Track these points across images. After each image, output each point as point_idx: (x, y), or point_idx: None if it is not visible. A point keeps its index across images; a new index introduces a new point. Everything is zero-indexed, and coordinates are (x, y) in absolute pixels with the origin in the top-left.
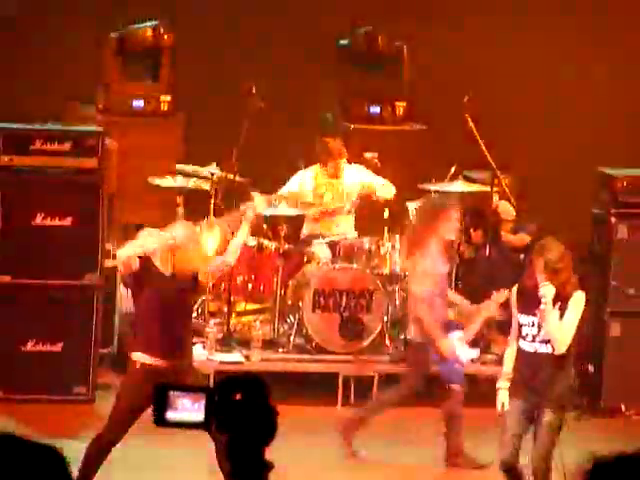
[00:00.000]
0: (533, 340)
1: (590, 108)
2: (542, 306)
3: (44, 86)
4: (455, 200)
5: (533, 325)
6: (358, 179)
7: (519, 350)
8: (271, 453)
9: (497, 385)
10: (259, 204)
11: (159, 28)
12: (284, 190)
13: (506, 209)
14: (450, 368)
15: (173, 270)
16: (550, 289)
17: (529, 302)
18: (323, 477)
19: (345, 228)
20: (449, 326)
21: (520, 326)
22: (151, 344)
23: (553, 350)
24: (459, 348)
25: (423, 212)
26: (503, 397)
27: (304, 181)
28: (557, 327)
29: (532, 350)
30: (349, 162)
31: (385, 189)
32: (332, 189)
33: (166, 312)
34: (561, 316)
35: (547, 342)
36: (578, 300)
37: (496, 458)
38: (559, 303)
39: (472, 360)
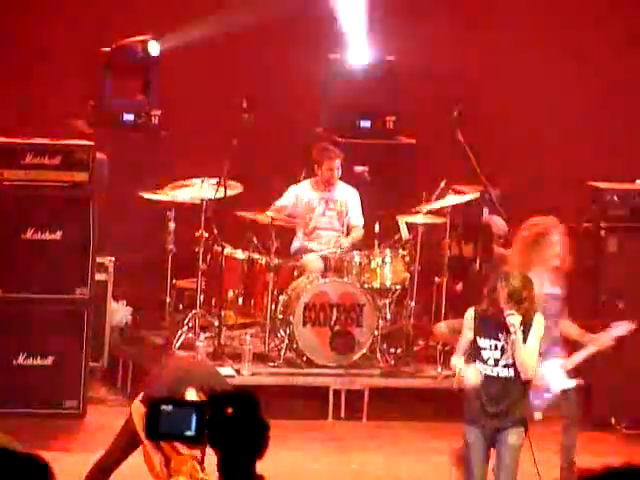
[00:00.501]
0: (495, 364)
1: (578, 122)
2: (512, 336)
3: (35, 101)
4: (554, 222)
5: (495, 349)
6: (345, 200)
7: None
8: (263, 466)
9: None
10: None
11: (149, 42)
12: (278, 204)
13: (498, 223)
14: (536, 394)
15: None
16: (517, 318)
17: (491, 326)
18: None
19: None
20: (553, 350)
21: (479, 349)
22: None
23: (516, 374)
24: (554, 376)
25: (523, 240)
26: (459, 363)
27: (298, 195)
28: (526, 353)
29: (494, 374)
30: (344, 181)
31: (358, 232)
32: (323, 204)
33: None
34: (524, 340)
35: (510, 366)
36: (539, 322)
37: None
38: (521, 327)
39: (567, 390)
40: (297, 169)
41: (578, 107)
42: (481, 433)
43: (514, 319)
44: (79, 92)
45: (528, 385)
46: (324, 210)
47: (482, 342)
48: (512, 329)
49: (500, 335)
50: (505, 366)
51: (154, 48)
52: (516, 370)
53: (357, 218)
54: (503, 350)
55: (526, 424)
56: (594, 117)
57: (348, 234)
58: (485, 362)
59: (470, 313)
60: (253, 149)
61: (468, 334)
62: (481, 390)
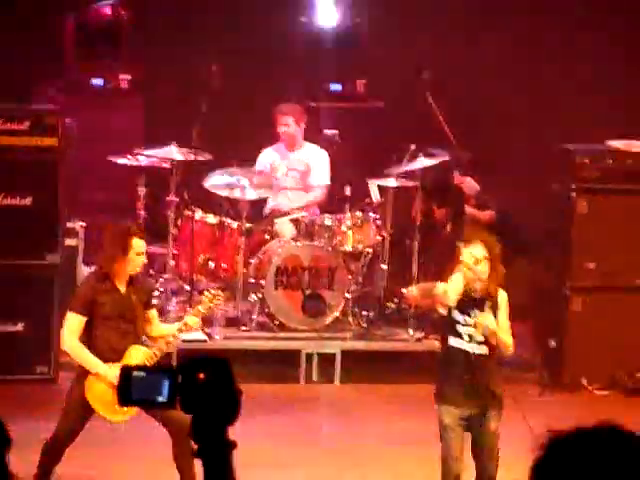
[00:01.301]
0: (470, 340)
1: (550, 85)
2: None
3: (2, 65)
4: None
5: (470, 325)
6: (307, 161)
7: (452, 349)
8: (235, 432)
9: None
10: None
11: (118, 6)
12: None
13: (470, 185)
14: None
15: None
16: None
17: (467, 300)
18: (286, 454)
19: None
20: None
21: (454, 322)
22: None
23: (490, 352)
24: None
25: None
26: None
27: (264, 158)
28: (502, 331)
29: (470, 351)
30: (312, 141)
31: (316, 192)
32: (284, 165)
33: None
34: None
35: (483, 343)
36: (505, 298)
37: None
38: (490, 301)
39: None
40: (265, 133)
41: (548, 70)
42: (459, 413)
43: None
44: (47, 57)
45: (498, 362)
46: (287, 171)
47: (457, 315)
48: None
49: (472, 310)
50: (479, 343)
51: (123, 12)
52: (489, 348)
53: (318, 178)
54: (476, 326)
55: (502, 403)
56: (567, 79)
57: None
58: (460, 337)
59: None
60: (223, 114)
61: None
62: (458, 366)
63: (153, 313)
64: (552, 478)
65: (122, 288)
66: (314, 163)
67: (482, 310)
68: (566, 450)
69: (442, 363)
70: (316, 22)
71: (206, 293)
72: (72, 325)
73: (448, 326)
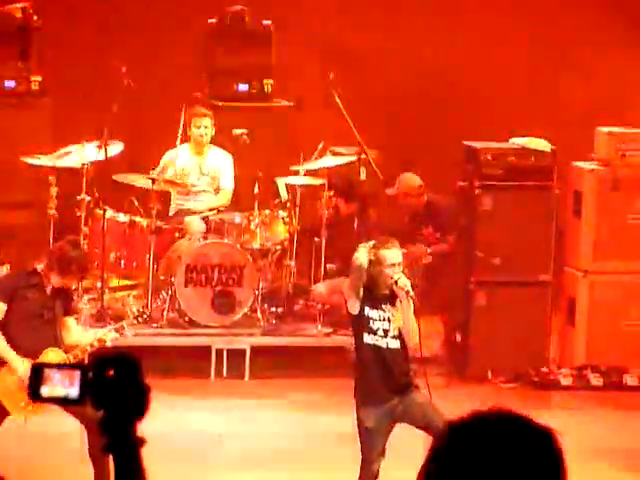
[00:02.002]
0: (385, 335)
1: (455, 84)
2: (402, 299)
3: None
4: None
5: (383, 320)
6: (217, 165)
7: (367, 346)
8: (145, 427)
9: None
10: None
11: (28, 8)
12: (158, 169)
13: (408, 179)
14: None
15: None
16: (407, 280)
17: (378, 296)
18: (197, 448)
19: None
20: None
21: (368, 320)
22: None
23: (402, 345)
24: None
25: None
26: None
27: (173, 160)
28: (412, 321)
29: (384, 346)
30: (218, 143)
31: (224, 195)
32: (197, 169)
33: None
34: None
35: (397, 337)
36: (412, 293)
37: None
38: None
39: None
40: (175, 134)
41: (457, 68)
42: (381, 411)
43: (404, 280)
44: None
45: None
46: (198, 176)
47: (371, 312)
48: (406, 289)
49: (384, 305)
50: (393, 337)
51: (33, 14)
52: (401, 341)
53: (225, 182)
54: (389, 321)
55: (418, 386)
56: (472, 76)
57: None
58: (375, 333)
59: (361, 258)
60: (134, 114)
61: (355, 303)
62: (375, 363)
63: (71, 321)
64: (450, 461)
65: (49, 289)
66: (223, 167)
67: (393, 305)
68: (465, 435)
69: (359, 363)
70: (226, 24)
71: (123, 324)
72: None
73: (361, 324)
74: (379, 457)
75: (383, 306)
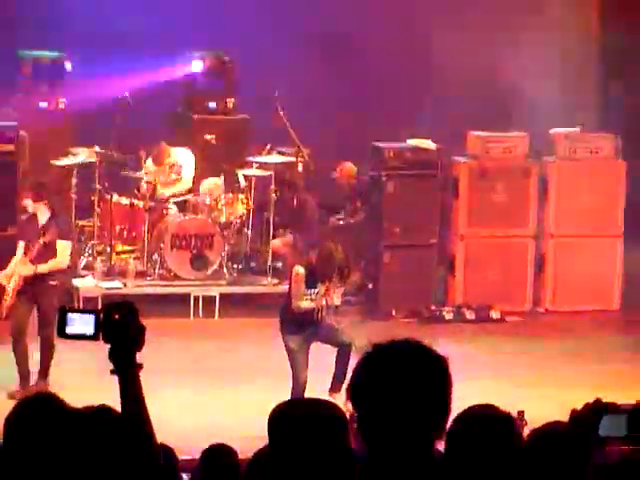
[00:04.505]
0: (311, 302)
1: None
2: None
3: None
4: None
5: (315, 293)
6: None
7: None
8: (143, 356)
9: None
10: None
11: None
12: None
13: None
14: None
15: None
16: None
17: (312, 279)
18: (178, 373)
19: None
20: None
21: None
22: None
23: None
24: None
25: None
26: (306, 304)
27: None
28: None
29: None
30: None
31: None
32: (162, 173)
33: None
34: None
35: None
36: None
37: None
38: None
39: None
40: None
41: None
42: (301, 338)
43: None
44: None
45: None
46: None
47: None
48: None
49: (317, 285)
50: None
51: None
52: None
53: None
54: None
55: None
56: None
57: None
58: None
59: (300, 269)
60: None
61: (302, 286)
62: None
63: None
64: (372, 376)
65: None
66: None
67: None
68: (383, 352)
69: (285, 310)
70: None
71: None
72: None
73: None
74: (304, 369)
75: (317, 285)
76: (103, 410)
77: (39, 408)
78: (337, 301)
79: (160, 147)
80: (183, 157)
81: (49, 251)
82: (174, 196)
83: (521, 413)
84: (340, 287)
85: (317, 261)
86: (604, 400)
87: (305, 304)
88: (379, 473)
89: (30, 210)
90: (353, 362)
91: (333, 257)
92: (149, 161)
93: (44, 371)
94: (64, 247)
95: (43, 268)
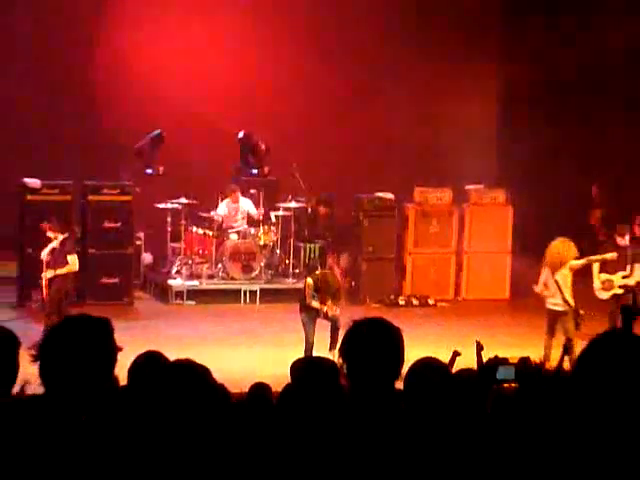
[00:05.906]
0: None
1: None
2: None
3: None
4: None
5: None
6: (246, 207)
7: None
8: (209, 328)
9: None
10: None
11: None
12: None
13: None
14: None
15: None
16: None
17: (320, 290)
18: (232, 337)
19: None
20: None
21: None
22: None
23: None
24: None
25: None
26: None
27: (225, 205)
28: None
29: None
30: (244, 196)
31: (252, 211)
32: (231, 215)
33: None
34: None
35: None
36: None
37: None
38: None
39: None
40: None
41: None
42: (311, 315)
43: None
44: None
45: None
46: (235, 213)
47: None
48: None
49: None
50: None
51: None
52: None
53: (252, 209)
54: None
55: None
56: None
57: (250, 219)
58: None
59: (309, 280)
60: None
61: (310, 291)
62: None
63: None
64: (352, 340)
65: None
66: (249, 207)
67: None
68: (360, 327)
69: (304, 304)
70: (249, 136)
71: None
72: None
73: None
74: (312, 335)
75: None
76: (187, 361)
77: (154, 360)
78: (336, 312)
79: (235, 193)
80: (246, 204)
81: (61, 259)
82: (232, 227)
83: (456, 352)
84: (336, 303)
85: (320, 283)
86: (500, 356)
87: (314, 303)
88: (359, 401)
89: (52, 237)
90: (342, 332)
91: (329, 284)
92: (226, 201)
93: None
94: (73, 259)
95: (61, 271)
